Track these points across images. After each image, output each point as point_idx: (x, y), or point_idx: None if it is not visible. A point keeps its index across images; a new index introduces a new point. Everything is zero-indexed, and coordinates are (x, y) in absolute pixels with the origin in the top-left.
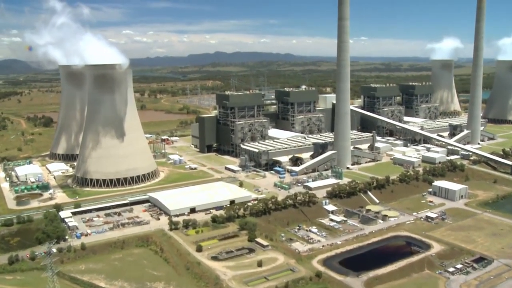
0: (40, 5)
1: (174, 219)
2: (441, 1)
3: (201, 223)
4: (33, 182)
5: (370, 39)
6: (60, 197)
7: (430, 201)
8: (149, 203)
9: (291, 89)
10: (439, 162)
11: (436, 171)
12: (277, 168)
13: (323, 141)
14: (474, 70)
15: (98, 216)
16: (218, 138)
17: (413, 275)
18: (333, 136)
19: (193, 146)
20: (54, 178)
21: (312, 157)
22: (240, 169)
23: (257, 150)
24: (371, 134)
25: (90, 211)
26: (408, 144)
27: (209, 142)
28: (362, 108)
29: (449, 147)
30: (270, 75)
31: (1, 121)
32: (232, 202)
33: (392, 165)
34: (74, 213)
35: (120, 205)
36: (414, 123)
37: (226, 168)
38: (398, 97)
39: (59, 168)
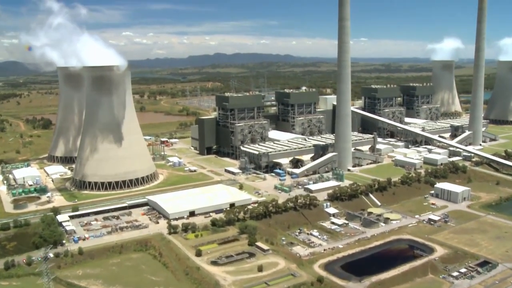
0: (37, 6)
1: (173, 222)
2: (441, 2)
3: (201, 227)
4: (30, 185)
5: (369, 40)
6: (58, 200)
7: (433, 204)
8: (148, 207)
9: (291, 90)
10: (441, 164)
11: (438, 172)
12: (278, 170)
13: (324, 143)
14: (476, 71)
15: (96, 219)
16: (217, 140)
17: (416, 280)
18: (333, 138)
19: (192, 148)
20: (52, 181)
21: (313, 159)
22: (240, 171)
23: (257, 152)
24: (372, 136)
25: (88, 214)
26: (409, 146)
27: (208, 144)
28: (363, 109)
29: (451, 148)
30: (270, 77)
31: None
32: (232, 205)
33: (394, 167)
34: (71, 217)
35: (119, 209)
36: (415, 124)
37: (226, 171)
38: (399, 98)
39: (58, 171)
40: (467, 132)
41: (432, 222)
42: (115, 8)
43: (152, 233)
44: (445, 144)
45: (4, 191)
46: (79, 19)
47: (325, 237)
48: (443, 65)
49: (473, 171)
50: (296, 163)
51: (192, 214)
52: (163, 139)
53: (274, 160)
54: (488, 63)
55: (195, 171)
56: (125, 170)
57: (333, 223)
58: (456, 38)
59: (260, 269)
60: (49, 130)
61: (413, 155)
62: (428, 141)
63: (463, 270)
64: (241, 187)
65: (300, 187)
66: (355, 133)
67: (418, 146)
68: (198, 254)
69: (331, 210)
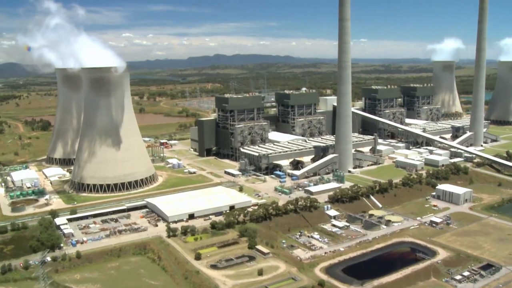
0: (34, 7)
1: (172, 225)
2: (441, 2)
3: (200, 230)
4: (29, 188)
5: (369, 40)
6: (56, 203)
7: (434, 205)
8: (147, 209)
9: (291, 91)
10: (442, 165)
11: (440, 174)
12: (278, 172)
13: (324, 144)
14: (477, 72)
15: (94, 222)
16: (217, 142)
17: (418, 284)
18: (334, 139)
19: (192, 149)
20: (51, 183)
21: (313, 160)
22: (240, 173)
23: (257, 154)
24: (372, 137)
25: (86, 217)
26: (410, 147)
27: (208, 146)
28: (363, 110)
29: (452, 149)
30: (270, 78)
31: None
32: (231, 207)
33: (395, 168)
34: (70, 220)
35: (117, 211)
36: (416, 125)
37: (226, 172)
38: (399, 99)
39: (56, 173)
40: (468, 133)
41: (434, 224)
42: (115, 9)
43: (151, 236)
44: (446, 145)
45: (2, 194)
46: (77, 20)
47: (326, 239)
48: (443, 66)
49: (474, 172)
50: (297, 165)
51: (191, 216)
52: (162, 141)
53: (274, 162)
54: (489, 64)
55: (194, 173)
56: (124, 172)
57: (334, 225)
58: (456, 39)
59: (260, 272)
60: (48, 132)
61: (414, 156)
62: (429, 142)
63: (466, 273)
64: (241, 189)
65: (300, 189)
66: (356, 134)
67: (419, 147)
68: (198, 257)
69: (332, 212)
